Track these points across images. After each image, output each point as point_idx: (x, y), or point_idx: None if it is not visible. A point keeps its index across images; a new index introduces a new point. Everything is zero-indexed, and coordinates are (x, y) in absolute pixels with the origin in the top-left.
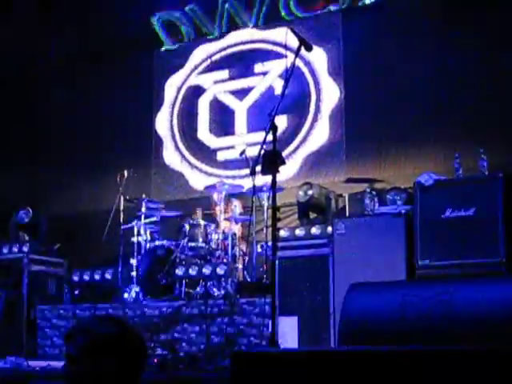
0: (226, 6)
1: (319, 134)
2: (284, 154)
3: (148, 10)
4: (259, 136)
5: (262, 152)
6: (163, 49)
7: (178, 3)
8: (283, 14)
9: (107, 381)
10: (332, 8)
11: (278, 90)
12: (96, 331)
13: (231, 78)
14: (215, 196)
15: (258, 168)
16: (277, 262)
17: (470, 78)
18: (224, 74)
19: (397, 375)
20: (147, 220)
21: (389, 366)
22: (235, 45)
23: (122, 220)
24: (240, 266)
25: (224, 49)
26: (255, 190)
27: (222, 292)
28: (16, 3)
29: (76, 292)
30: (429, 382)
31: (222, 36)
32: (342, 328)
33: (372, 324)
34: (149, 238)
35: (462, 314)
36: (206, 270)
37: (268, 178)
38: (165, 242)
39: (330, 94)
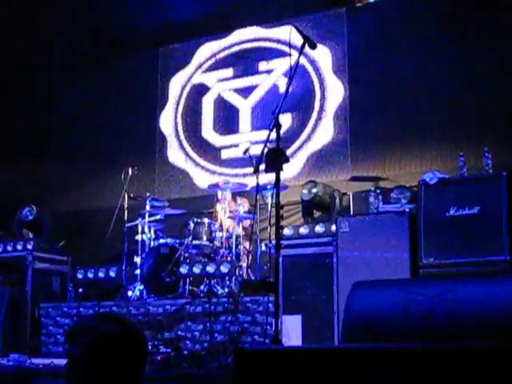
0: None
1: (323, 132)
2: (288, 152)
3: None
4: (263, 134)
5: (266, 150)
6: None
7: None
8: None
9: (109, 379)
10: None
11: (283, 89)
12: (98, 329)
13: (236, 77)
14: (219, 194)
15: (262, 166)
16: (280, 260)
17: (474, 77)
18: (228, 72)
19: (399, 373)
20: (151, 218)
21: (392, 363)
22: (240, 43)
23: (126, 218)
24: (244, 264)
25: (228, 47)
26: (259, 188)
27: (226, 290)
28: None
29: (80, 290)
30: (432, 380)
31: (226, 34)
32: (345, 326)
33: (375, 322)
34: (153, 235)
35: (466, 313)
36: (210, 268)
37: (272, 176)
38: (169, 240)
39: (334, 92)
